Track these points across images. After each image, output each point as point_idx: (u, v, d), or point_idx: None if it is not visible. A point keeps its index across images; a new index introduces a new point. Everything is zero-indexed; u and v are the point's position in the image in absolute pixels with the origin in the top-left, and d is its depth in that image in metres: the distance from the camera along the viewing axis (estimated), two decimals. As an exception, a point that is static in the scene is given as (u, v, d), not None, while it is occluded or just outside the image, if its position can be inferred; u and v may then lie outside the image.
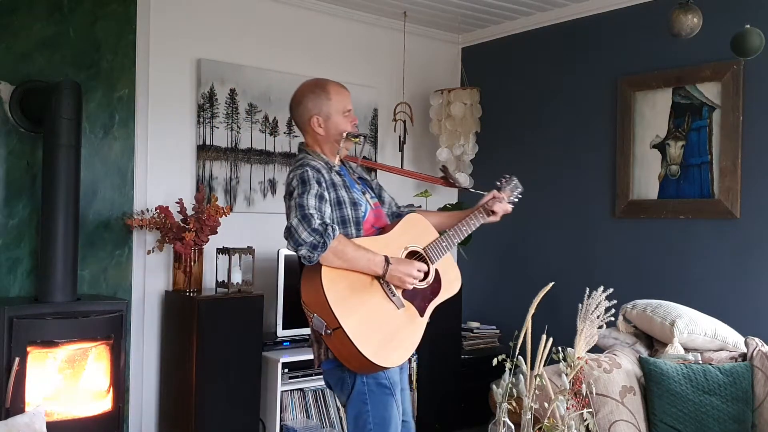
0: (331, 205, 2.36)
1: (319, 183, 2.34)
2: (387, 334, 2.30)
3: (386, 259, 2.30)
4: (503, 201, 2.70)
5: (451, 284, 2.54)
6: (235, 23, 4.26)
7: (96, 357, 3.44)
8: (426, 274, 2.43)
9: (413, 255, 2.45)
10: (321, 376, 4.07)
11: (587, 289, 2.57)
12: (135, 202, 3.87)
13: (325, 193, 2.35)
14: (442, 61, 5.22)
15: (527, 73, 4.88)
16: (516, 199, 2.81)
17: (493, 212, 2.66)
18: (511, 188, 2.81)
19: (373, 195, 2.59)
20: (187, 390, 3.68)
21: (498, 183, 2.79)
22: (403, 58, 4.83)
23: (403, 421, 2.44)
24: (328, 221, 2.26)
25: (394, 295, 2.33)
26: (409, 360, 4.16)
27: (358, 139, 2.49)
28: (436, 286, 2.46)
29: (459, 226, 2.59)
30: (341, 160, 2.53)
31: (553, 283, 2.31)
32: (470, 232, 2.63)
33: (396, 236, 2.44)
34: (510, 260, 4.96)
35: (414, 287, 2.37)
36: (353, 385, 2.33)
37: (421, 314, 2.40)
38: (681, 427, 2.85)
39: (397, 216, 2.63)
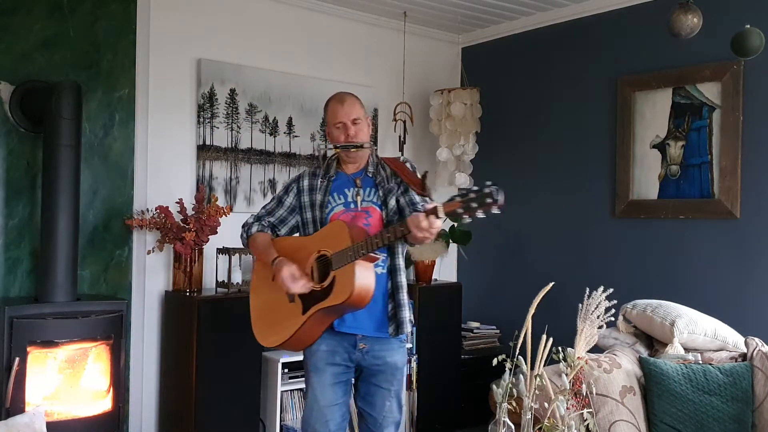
0: (306, 206, 2.77)
1: (286, 188, 2.84)
2: (271, 320, 2.73)
3: (275, 259, 2.65)
4: (422, 218, 2.34)
5: (338, 294, 2.52)
6: (235, 23, 4.26)
7: (96, 357, 3.44)
8: (323, 278, 2.59)
9: (323, 258, 2.62)
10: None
11: (587, 289, 2.57)
12: (135, 202, 3.87)
13: (288, 197, 2.81)
14: (442, 61, 5.22)
15: (527, 73, 4.88)
16: (470, 214, 2.26)
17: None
18: (467, 200, 2.26)
19: (369, 199, 2.72)
20: (187, 390, 3.68)
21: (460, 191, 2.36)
22: (403, 58, 4.83)
23: (369, 414, 2.75)
24: (265, 220, 2.81)
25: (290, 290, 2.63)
26: (409, 361, 4.20)
27: (337, 150, 2.73)
28: (328, 291, 2.56)
29: (372, 237, 2.49)
30: (371, 163, 2.78)
31: (553, 283, 2.30)
32: (380, 246, 2.47)
33: (314, 240, 2.69)
34: (510, 260, 4.96)
35: (311, 288, 2.59)
36: None
37: (303, 312, 2.61)
38: (681, 427, 2.85)
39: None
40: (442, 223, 2.37)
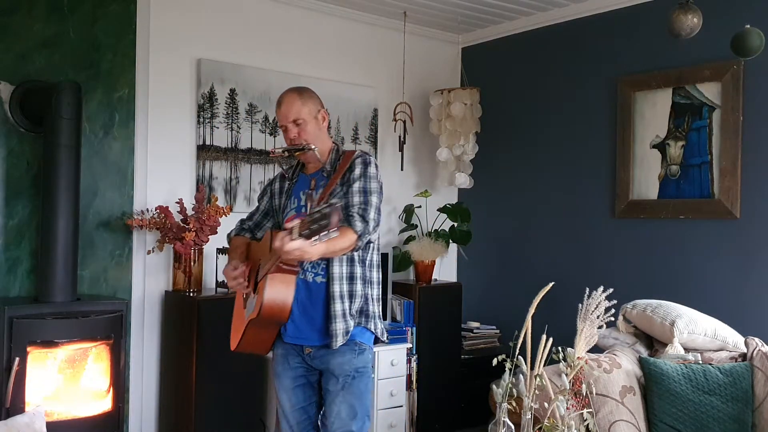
0: (277, 209, 2.71)
1: (263, 191, 2.82)
2: (235, 325, 2.68)
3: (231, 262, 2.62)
4: (277, 236, 2.20)
5: (255, 308, 2.44)
6: (235, 23, 4.26)
7: (96, 357, 3.44)
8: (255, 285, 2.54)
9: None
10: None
11: (587, 289, 2.56)
12: (135, 202, 3.87)
13: (263, 201, 2.78)
14: (442, 61, 5.22)
15: (527, 73, 4.88)
16: (316, 236, 2.09)
17: None
18: (309, 221, 2.10)
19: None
20: (187, 390, 3.69)
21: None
22: (403, 58, 4.83)
23: (322, 422, 2.60)
24: (246, 224, 2.78)
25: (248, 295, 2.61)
26: (409, 361, 4.17)
27: (284, 153, 2.61)
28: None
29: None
30: (330, 161, 2.62)
31: (553, 283, 2.30)
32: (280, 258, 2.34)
33: (260, 247, 2.62)
34: (510, 260, 4.96)
35: (246, 288, 2.57)
36: None
37: (245, 320, 2.56)
38: (681, 427, 2.85)
39: None
40: (298, 245, 2.12)
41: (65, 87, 3.36)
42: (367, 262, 2.59)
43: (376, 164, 2.59)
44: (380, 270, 2.69)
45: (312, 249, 2.21)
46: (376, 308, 2.61)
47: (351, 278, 2.53)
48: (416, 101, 4.95)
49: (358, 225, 2.43)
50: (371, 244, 2.59)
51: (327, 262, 2.50)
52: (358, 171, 2.53)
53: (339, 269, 2.52)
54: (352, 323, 2.52)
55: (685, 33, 3.05)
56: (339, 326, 2.49)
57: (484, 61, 5.17)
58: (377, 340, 2.66)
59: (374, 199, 2.52)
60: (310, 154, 2.57)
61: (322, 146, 2.61)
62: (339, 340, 2.49)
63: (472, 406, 4.63)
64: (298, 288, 2.44)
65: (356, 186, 2.51)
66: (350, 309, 2.52)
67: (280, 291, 2.38)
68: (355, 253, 2.52)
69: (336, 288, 2.51)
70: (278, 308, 2.39)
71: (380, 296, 2.67)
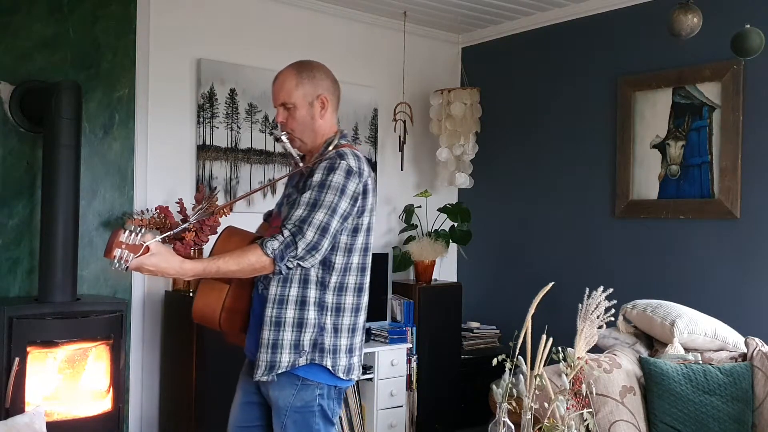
0: None
1: None
2: None
3: None
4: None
5: None
6: (235, 23, 4.26)
7: (96, 357, 3.44)
8: None
9: None
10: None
11: (587, 289, 2.57)
12: (135, 202, 3.87)
13: None
14: (442, 61, 5.22)
15: (527, 73, 4.88)
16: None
17: None
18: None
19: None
20: (187, 390, 3.69)
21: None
22: (403, 58, 4.83)
23: None
24: None
25: None
26: (409, 361, 4.13)
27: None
28: None
29: None
30: (315, 157, 2.27)
31: (553, 283, 2.30)
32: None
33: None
34: (510, 260, 4.96)
35: None
36: None
37: None
38: (681, 427, 2.85)
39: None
40: (136, 264, 1.98)
41: (65, 87, 3.35)
42: (331, 285, 2.16)
43: (348, 170, 2.13)
44: (360, 294, 2.23)
45: (166, 266, 1.98)
46: (337, 340, 2.16)
47: (301, 303, 2.13)
48: (416, 101, 4.95)
49: (274, 246, 2.03)
50: (333, 264, 2.15)
51: (268, 278, 2.14)
52: (317, 177, 2.11)
53: (275, 289, 2.13)
54: (287, 358, 2.11)
55: (685, 33, 3.05)
56: (262, 357, 2.12)
57: (484, 61, 5.17)
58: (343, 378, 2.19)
59: (320, 215, 2.06)
60: (300, 145, 2.27)
61: (312, 138, 2.24)
62: (259, 373, 2.12)
63: (472, 406, 4.63)
64: (253, 297, 2.21)
65: (305, 197, 2.09)
66: (290, 339, 2.11)
67: (208, 298, 2.17)
68: (312, 272, 2.13)
69: (269, 312, 2.13)
70: (208, 315, 2.18)
71: (354, 325, 2.21)
